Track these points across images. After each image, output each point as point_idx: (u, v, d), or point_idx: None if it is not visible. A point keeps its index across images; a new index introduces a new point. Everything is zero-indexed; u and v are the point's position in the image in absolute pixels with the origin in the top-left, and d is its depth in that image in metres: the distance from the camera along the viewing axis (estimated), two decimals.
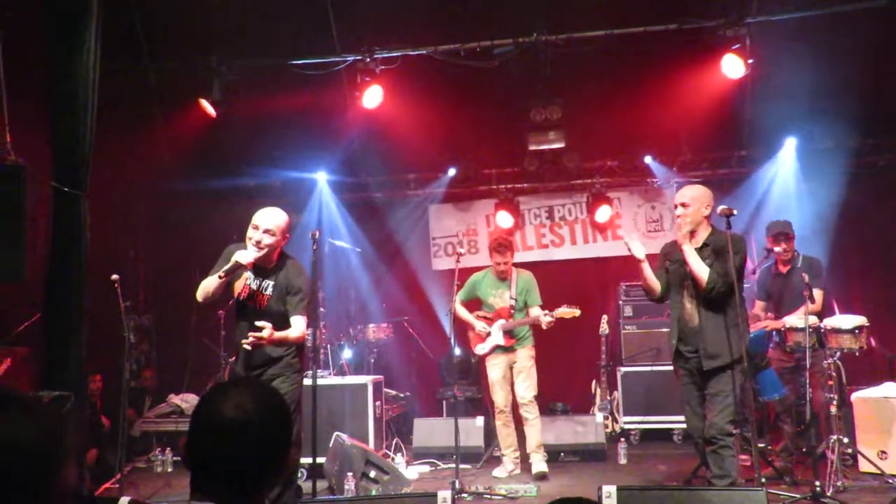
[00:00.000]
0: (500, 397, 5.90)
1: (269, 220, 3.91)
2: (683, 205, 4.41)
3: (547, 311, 5.75)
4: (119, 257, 7.60)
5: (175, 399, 7.15)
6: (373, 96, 6.61)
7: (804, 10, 5.61)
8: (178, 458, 6.46)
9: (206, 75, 6.46)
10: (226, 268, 3.80)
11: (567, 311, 5.69)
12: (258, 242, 3.86)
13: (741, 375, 4.22)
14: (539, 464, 5.79)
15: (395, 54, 6.41)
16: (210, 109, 6.63)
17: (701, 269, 4.22)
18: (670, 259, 4.54)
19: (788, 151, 7.72)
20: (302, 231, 6.22)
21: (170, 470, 6.40)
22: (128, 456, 6.28)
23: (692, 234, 4.40)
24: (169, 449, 6.51)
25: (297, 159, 7.97)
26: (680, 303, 4.41)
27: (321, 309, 7.07)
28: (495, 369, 5.93)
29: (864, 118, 6.80)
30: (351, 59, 6.43)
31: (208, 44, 6.42)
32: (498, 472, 5.87)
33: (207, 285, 3.90)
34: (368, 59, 6.42)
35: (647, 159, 8.09)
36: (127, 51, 6.50)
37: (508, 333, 5.88)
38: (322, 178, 8.48)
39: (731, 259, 4.12)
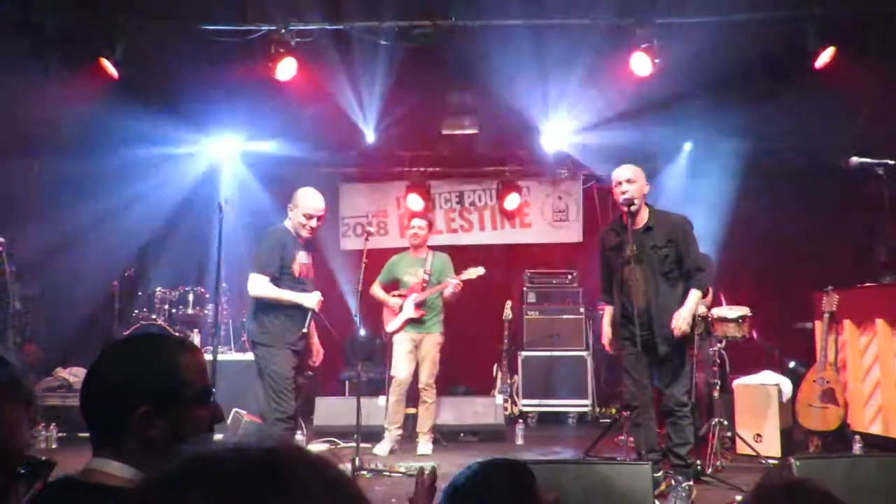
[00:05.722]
0: (402, 371, 6.00)
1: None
2: (629, 181, 4.22)
3: (452, 276, 5.91)
4: (7, 218, 7.09)
5: (62, 373, 6.79)
6: (286, 68, 6.44)
7: (706, 15, 5.87)
8: (64, 434, 6.17)
9: (109, 33, 6.12)
10: None
11: (473, 272, 5.84)
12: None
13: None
14: (425, 445, 5.98)
15: (311, 27, 6.27)
16: (112, 70, 6.28)
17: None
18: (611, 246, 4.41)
19: (684, 152, 8.11)
20: (209, 202, 6.05)
21: (54, 446, 6.06)
22: None
23: (635, 215, 4.25)
24: (54, 424, 6.15)
25: (205, 127, 7.70)
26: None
27: (223, 284, 6.88)
28: (403, 344, 6.04)
29: (755, 124, 7.19)
30: (265, 28, 6.24)
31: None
32: (379, 448, 5.92)
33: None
34: (283, 31, 6.26)
35: (544, 144, 8.05)
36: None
37: (419, 305, 5.99)
38: (234, 148, 8.20)
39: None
